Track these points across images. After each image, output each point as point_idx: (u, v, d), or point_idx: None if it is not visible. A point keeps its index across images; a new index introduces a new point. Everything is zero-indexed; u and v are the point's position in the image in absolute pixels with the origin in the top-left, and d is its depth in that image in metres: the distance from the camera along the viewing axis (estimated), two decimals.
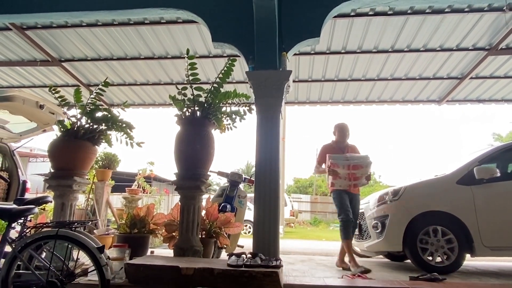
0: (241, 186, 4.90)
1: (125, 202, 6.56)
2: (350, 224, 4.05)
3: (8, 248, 2.50)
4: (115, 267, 2.82)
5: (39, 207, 3.22)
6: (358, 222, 4.84)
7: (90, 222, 5.10)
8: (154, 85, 6.81)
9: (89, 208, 6.11)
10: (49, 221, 3.00)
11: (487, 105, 7.12)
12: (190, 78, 3.28)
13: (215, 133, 3.44)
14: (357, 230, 4.86)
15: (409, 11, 4.55)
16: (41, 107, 4.68)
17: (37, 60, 6.05)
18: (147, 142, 3.65)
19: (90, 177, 5.90)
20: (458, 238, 3.93)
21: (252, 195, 3.50)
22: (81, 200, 5.93)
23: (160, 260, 2.61)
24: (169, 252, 3.63)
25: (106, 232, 5.01)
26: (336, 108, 7.60)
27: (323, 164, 4.30)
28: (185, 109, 3.36)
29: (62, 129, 3.40)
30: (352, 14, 4.63)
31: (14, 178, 5.31)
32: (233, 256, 2.58)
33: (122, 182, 9.38)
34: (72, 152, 3.31)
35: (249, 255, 2.63)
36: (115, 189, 7.94)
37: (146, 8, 3.79)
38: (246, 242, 5.20)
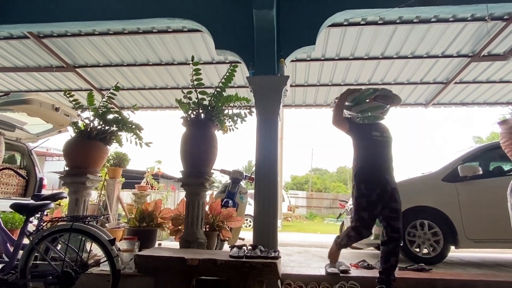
0: (242, 183, 4.90)
1: (134, 198, 6.55)
2: None
3: (26, 241, 2.51)
4: (125, 258, 2.82)
5: (54, 203, 3.21)
6: (351, 216, 4.84)
7: (102, 217, 5.11)
8: (161, 89, 6.80)
9: (101, 204, 6.11)
10: (64, 216, 3.00)
11: (471, 108, 7.12)
12: (195, 83, 3.28)
13: (218, 134, 3.44)
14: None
15: (398, 21, 4.55)
16: (57, 109, 4.68)
17: (53, 66, 6.05)
18: (155, 142, 3.65)
19: (102, 175, 5.90)
20: (443, 231, 3.94)
21: (253, 191, 3.50)
22: (93, 196, 5.93)
23: (167, 251, 2.60)
24: (176, 244, 3.63)
25: (117, 226, 5.01)
26: (331, 110, 7.59)
27: None
28: (190, 111, 3.36)
29: (76, 130, 3.40)
30: (345, 23, 4.63)
31: (31, 175, 5.31)
32: (235, 248, 2.58)
33: (132, 179, 9.38)
34: (85, 152, 3.31)
35: (249, 247, 2.63)
36: (125, 186, 7.93)
37: (154, 18, 3.79)
38: (246, 235, 5.20)
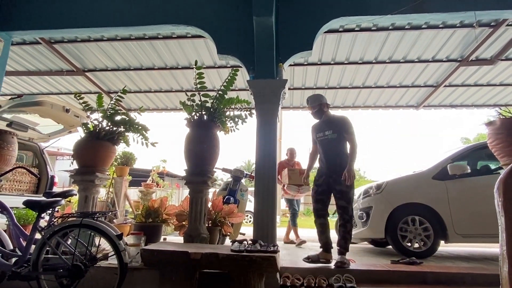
0: (243, 181, 4.89)
1: (141, 195, 6.55)
2: (295, 215, 5.56)
3: (38, 236, 2.51)
4: (132, 252, 2.82)
5: (65, 200, 3.21)
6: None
7: (110, 213, 5.09)
8: (166, 92, 6.80)
9: (109, 200, 6.11)
10: (74, 212, 3.00)
11: (459, 110, 7.13)
12: (198, 86, 3.27)
13: (220, 134, 3.43)
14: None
15: (390, 27, 4.55)
16: (67, 111, 4.68)
17: (64, 70, 6.05)
18: (160, 142, 3.65)
19: (110, 173, 5.90)
20: (433, 226, 3.94)
21: (253, 189, 3.50)
22: (102, 193, 5.93)
23: (171, 246, 2.60)
24: (180, 239, 3.62)
25: (124, 221, 5.01)
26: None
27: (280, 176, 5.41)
28: (193, 113, 3.35)
29: (85, 131, 3.40)
30: (341, 30, 4.63)
31: (43, 173, 5.31)
32: (236, 242, 2.58)
33: (138, 178, 9.38)
34: (94, 151, 3.31)
35: (249, 242, 2.63)
36: (132, 184, 7.93)
37: (159, 24, 3.79)
38: (247, 230, 5.20)
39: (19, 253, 2.52)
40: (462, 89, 6.26)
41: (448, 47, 4.97)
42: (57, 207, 2.67)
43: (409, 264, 3.35)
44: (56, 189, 5.19)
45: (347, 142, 3.32)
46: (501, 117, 2.87)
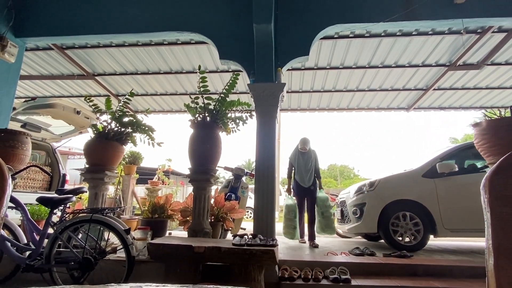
0: (244, 178, 4.90)
1: (147, 192, 6.55)
2: None
3: (50, 230, 2.51)
4: (139, 246, 2.82)
5: (76, 196, 3.20)
6: (341, 208, 4.84)
7: (119, 209, 5.09)
8: (171, 95, 6.80)
9: (117, 197, 6.11)
10: (84, 208, 3.00)
11: (447, 112, 7.13)
12: (202, 89, 3.27)
13: (222, 134, 3.43)
14: (340, 215, 4.87)
15: (382, 34, 4.55)
16: (78, 113, 4.69)
17: (75, 75, 6.05)
18: (166, 143, 3.65)
19: (118, 171, 5.90)
20: (423, 222, 3.94)
21: (253, 186, 3.50)
22: (111, 190, 5.93)
23: (176, 240, 2.60)
24: (184, 234, 3.63)
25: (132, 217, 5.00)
26: (322, 114, 7.61)
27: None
28: (197, 115, 3.35)
29: (95, 132, 3.40)
30: (336, 36, 4.63)
31: (55, 172, 5.31)
32: (237, 236, 2.58)
33: (145, 176, 9.35)
34: (103, 151, 3.31)
35: (250, 236, 2.63)
36: (139, 181, 7.92)
37: (165, 31, 3.79)
38: (247, 225, 5.21)
39: (33, 247, 2.52)
40: (450, 92, 6.26)
41: (437, 53, 4.97)
42: (69, 204, 2.67)
43: (400, 257, 3.35)
44: (67, 187, 5.20)
45: None
46: (487, 118, 2.87)
